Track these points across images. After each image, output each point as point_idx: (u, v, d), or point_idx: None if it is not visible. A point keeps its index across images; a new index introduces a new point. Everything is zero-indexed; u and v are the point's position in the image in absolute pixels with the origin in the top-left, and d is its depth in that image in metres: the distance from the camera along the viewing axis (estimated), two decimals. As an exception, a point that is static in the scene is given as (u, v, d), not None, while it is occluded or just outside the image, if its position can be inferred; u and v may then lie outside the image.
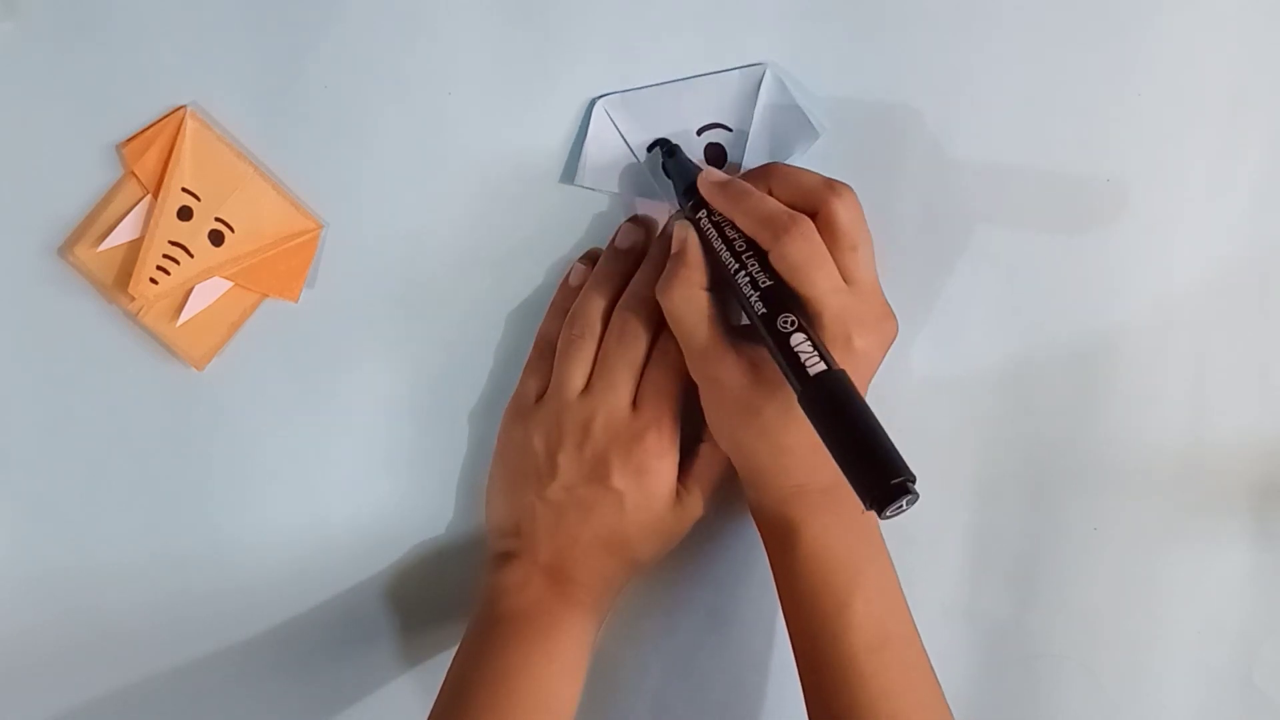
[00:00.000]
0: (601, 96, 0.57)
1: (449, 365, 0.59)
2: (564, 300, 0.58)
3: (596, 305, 0.56)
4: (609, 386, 0.54)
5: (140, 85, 0.56)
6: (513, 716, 0.53)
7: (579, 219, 0.58)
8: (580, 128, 0.57)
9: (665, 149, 0.56)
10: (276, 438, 0.60)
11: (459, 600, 0.60)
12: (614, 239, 0.57)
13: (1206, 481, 0.60)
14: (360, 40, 0.56)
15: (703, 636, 0.61)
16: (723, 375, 0.52)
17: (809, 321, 0.50)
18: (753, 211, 0.52)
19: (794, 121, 0.56)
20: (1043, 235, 0.58)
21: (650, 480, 0.54)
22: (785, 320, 0.49)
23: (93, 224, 0.57)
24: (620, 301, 0.56)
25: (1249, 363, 0.59)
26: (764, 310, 0.50)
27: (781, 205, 0.51)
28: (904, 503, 0.45)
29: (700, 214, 0.53)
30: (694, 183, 0.54)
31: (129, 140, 0.56)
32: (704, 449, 0.56)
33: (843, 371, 0.48)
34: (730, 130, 0.57)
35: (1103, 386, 0.60)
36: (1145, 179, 0.58)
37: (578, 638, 0.55)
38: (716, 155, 0.57)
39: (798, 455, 0.53)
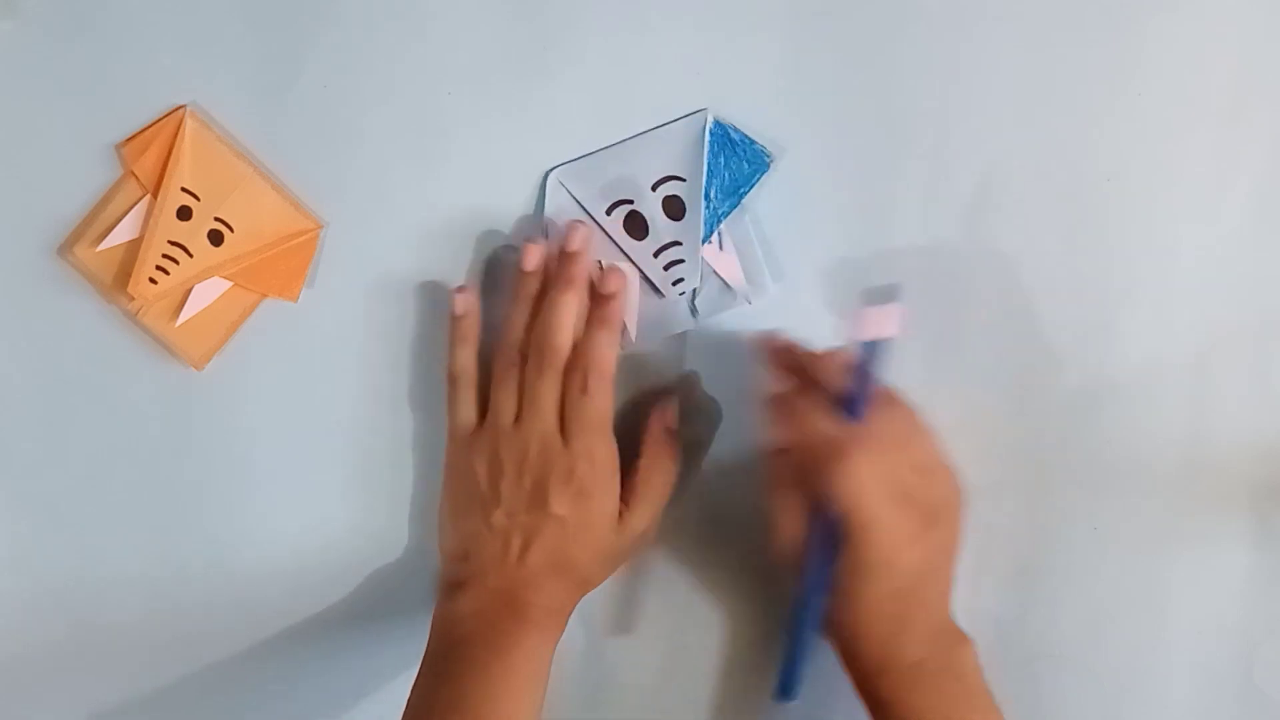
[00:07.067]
0: (554, 168, 0.57)
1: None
2: (459, 331, 0.58)
3: (519, 332, 0.57)
4: (536, 416, 0.55)
5: (140, 85, 0.56)
6: None
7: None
8: (538, 200, 0.57)
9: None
10: (275, 437, 0.60)
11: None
12: (521, 263, 0.57)
13: (1206, 481, 0.60)
14: (360, 40, 0.56)
15: (701, 637, 0.62)
16: None
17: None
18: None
19: (744, 157, 0.57)
20: (1043, 235, 0.58)
21: (590, 504, 0.55)
22: None
23: (92, 224, 0.57)
24: (536, 330, 0.56)
25: (1249, 363, 0.59)
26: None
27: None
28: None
29: None
30: None
31: (128, 140, 0.56)
32: (642, 465, 0.57)
33: None
34: (684, 180, 0.57)
35: (1103, 386, 0.59)
36: (1145, 179, 0.58)
37: (534, 655, 0.55)
38: (674, 207, 0.57)
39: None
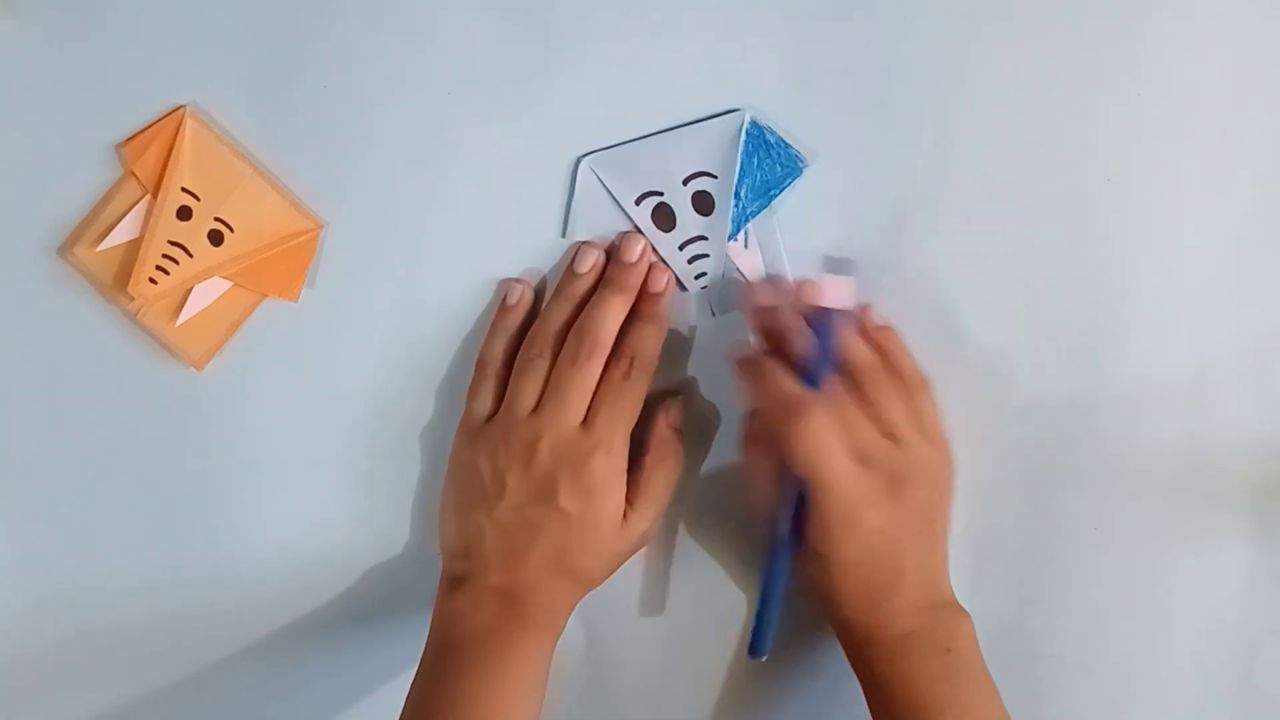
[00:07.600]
0: (587, 155, 0.57)
1: (448, 364, 0.59)
2: (504, 321, 0.58)
3: (555, 326, 0.57)
4: (559, 406, 0.55)
5: (140, 85, 0.56)
6: None
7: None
8: (569, 186, 0.57)
9: None
10: (275, 437, 0.60)
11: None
12: (571, 263, 0.58)
13: (1206, 481, 0.60)
14: (360, 40, 0.56)
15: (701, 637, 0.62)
16: None
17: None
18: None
19: (777, 159, 0.57)
20: (1043, 235, 0.58)
21: (598, 501, 0.55)
22: None
23: (92, 224, 0.57)
24: (576, 323, 0.56)
25: (1249, 362, 0.59)
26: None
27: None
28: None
29: None
30: None
31: (128, 140, 0.56)
32: (646, 464, 0.57)
33: None
34: (715, 177, 0.57)
35: (1103, 386, 0.59)
36: (1145, 179, 0.58)
37: (533, 656, 0.55)
38: (704, 202, 0.58)
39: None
